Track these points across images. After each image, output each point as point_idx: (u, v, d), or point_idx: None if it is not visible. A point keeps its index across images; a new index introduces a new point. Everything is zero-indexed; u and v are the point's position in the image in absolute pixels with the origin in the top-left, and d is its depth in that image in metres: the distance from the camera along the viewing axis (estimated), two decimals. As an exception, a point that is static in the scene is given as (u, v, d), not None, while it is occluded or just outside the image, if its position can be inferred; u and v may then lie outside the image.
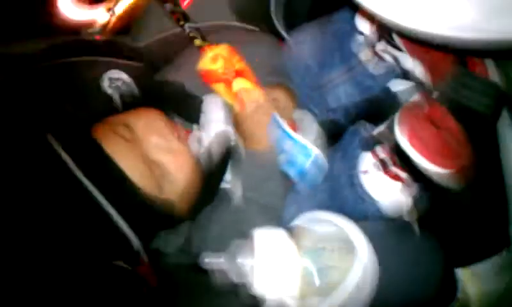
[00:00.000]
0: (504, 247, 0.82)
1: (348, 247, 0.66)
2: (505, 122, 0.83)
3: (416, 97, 0.75)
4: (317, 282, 0.65)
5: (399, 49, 0.80)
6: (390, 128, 0.69)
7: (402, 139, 0.66)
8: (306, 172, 0.90)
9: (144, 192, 0.80)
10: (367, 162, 0.76)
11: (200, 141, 0.97)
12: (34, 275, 0.77)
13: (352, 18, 0.88)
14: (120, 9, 1.09)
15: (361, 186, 0.77)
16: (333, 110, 1.06)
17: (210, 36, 1.03)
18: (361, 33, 0.87)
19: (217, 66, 0.95)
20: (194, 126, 0.99)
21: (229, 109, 0.95)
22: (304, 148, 0.89)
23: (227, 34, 1.11)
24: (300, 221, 0.72)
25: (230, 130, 0.97)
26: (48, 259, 0.77)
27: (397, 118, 0.68)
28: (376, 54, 0.87)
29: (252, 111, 0.88)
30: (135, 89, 1.04)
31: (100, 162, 0.78)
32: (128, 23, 1.12)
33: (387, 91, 0.91)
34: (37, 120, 1.03)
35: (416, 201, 0.81)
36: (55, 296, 0.78)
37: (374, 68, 0.90)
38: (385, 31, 0.79)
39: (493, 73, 0.83)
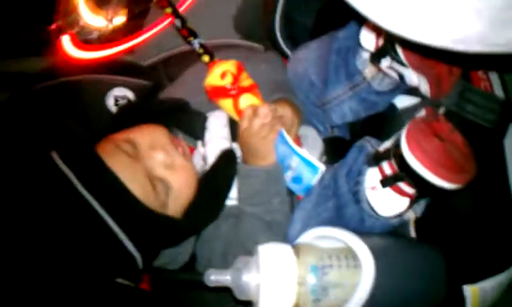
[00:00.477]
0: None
1: (355, 263, 0.65)
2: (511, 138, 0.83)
3: (422, 113, 0.75)
4: (323, 299, 0.65)
5: (404, 65, 0.80)
6: (397, 144, 0.69)
7: (409, 154, 0.66)
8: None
9: (148, 208, 0.80)
10: (373, 178, 0.76)
11: (204, 157, 0.97)
12: (38, 293, 0.76)
13: (357, 34, 0.88)
14: (118, 21, 1.09)
15: (367, 202, 0.77)
16: (337, 127, 1.06)
17: (214, 54, 1.03)
18: (366, 50, 0.87)
19: (226, 82, 0.95)
20: (199, 143, 0.99)
21: (235, 125, 0.95)
22: (311, 165, 0.88)
23: (231, 51, 1.12)
24: (305, 238, 0.72)
25: (235, 147, 0.97)
26: (52, 277, 0.76)
27: (403, 133, 0.67)
28: (380, 70, 0.87)
29: (259, 127, 0.88)
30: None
31: (104, 178, 0.78)
32: (128, 36, 1.12)
33: (392, 107, 0.91)
34: (40, 137, 1.03)
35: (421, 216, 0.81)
36: None
37: (379, 84, 0.90)
38: (390, 45, 0.79)
39: (498, 89, 0.83)
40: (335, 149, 1.01)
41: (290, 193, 0.93)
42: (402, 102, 0.90)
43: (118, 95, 1.12)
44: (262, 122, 0.88)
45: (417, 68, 0.79)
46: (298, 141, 0.97)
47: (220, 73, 0.96)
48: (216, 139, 0.97)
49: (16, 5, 1.64)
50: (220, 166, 0.94)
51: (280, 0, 1.17)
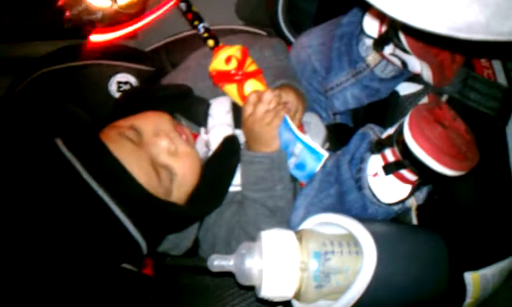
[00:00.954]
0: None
1: (357, 249, 0.66)
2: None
3: (424, 100, 0.75)
4: (326, 285, 0.65)
5: (407, 52, 0.80)
6: (399, 131, 0.69)
7: (412, 141, 0.66)
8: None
9: (152, 195, 0.80)
10: (376, 165, 0.76)
11: (207, 144, 0.97)
12: (44, 279, 0.77)
13: (360, 21, 0.88)
14: (123, 1, 1.08)
15: (369, 189, 0.77)
16: (340, 114, 1.06)
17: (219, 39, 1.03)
18: (369, 36, 0.87)
19: (231, 67, 0.95)
20: (202, 130, 1.00)
21: (239, 111, 0.95)
22: (315, 151, 0.89)
23: (236, 37, 1.12)
24: (308, 224, 0.72)
25: (238, 133, 0.97)
26: (58, 263, 0.77)
27: (406, 120, 0.68)
28: (383, 57, 0.87)
29: (263, 113, 0.88)
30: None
31: (108, 165, 0.78)
32: (132, 18, 1.11)
33: (395, 94, 0.91)
34: (45, 124, 1.03)
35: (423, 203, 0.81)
36: (64, 299, 0.78)
37: (382, 71, 0.90)
38: (394, 32, 0.79)
39: (501, 77, 0.83)
40: (337, 136, 1.01)
41: (294, 179, 0.94)
42: (405, 89, 0.90)
43: (121, 81, 1.12)
44: (266, 108, 0.88)
45: (420, 56, 0.79)
46: (301, 127, 0.97)
47: (225, 58, 0.96)
48: (219, 126, 0.98)
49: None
50: (223, 153, 0.94)
51: (283, -13, 1.17)
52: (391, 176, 0.74)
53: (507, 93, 0.81)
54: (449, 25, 0.47)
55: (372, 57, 0.90)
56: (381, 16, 0.83)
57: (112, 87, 1.11)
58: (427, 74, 0.81)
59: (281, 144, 0.90)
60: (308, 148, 0.89)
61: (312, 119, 1.02)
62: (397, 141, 0.70)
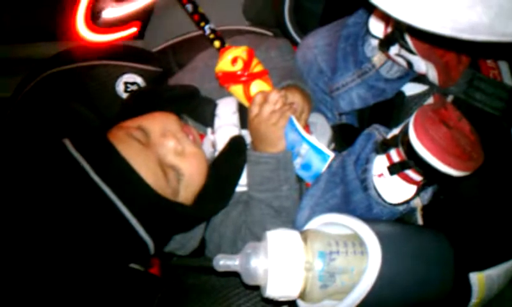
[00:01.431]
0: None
1: (362, 249, 0.66)
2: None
3: (430, 100, 0.75)
4: (331, 285, 0.66)
5: (412, 53, 0.80)
6: (404, 132, 0.69)
7: (417, 142, 0.66)
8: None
9: (159, 195, 0.81)
10: (381, 166, 0.76)
11: (213, 144, 0.98)
12: (52, 278, 0.78)
13: (366, 22, 0.88)
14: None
15: (375, 190, 0.77)
16: (346, 114, 1.07)
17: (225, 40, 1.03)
18: (375, 37, 0.87)
19: (237, 68, 0.96)
20: (208, 130, 1.00)
21: (245, 111, 0.96)
22: (321, 152, 0.89)
23: (242, 37, 1.12)
24: (313, 224, 0.72)
25: (244, 133, 0.97)
26: (66, 262, 0.78)
27: (411, 121, 0.68)
28: (389, 57, 0.87)
29: (269, 114, 0.88)
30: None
31: (116, 165, 0.79)
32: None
33: (401, 94, 0.91)
34: (53, 124, 1.04)
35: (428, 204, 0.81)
36: (72, 298, 0.79)
37: (388, 71, 0.90)
38: (399, 33, 0.79)
39: (507, 77, 0.83)
40: (343, 137, 1.01)
41: (299, 180, 0.94)
42: (411, 89, 0.90)
43: (128, 81, 1.12)
44: (272, 109, 0.89)
45: (426, 56, 0.79)
46: (307, 128, 0.97)
47: (231, 59, 0.96)
48: (225, 126, 0.98)
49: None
50: (229, 153, 0.95)
51: (289, -13, 1.17)
52: (396, 177, 0.74)
53: (513, 93, 0.81)
54: (453, 26, 0.47)
55: (377, 58, 0.90)
56: (387, 17, 0.83)
57: (120, 88, 1.11)
58: (433, 75, 0.81)
59: (287, 145, 0.91)
60: (314, 148, 0.89)
61: (317, 119, 1.02)
62: (402, 141, 0.70)
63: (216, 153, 0.97)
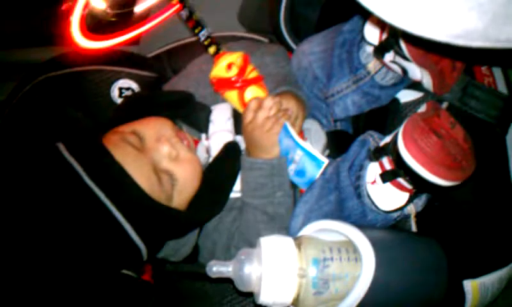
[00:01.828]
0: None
1: (355, 256, 0.66)
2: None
3: (423, 108, 0.75)
4: (325, 292, 0.65)
5: (407, 59, 0.80)
6: (394, 141, 0.69)
7: (405, 151, 0.66)
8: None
9: (153, 200, 0.81)
10: (374, 173, 0.76)
11: (208, 150, 0.97)
12: (44, 283, 0.77)
13: (361, 29, 0.89)
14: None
15: (368, 196, 0.77)
16: (340, 121, 1.07)
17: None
18: (370, 43, 0.87)
19: (232, 74, 0.96)
20: (203, 136, 1.00)
21: (239, 118, 0.96)
22: (315, 158, 0.89)
23: (237, 44, 1.12)
24: (307, 231, 0.72)
25: (239, 139, 0.97)
26: (58, 267, 0.77)
27: (401, 129, 0.68)
28: (384, 64, 0.88)
29: (263, 120, 0.88)
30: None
31: (110, 170, 0.79)
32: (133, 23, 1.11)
33: (395, 101, 0.91)
34: (47, 129, 1.03)
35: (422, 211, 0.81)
36: (64, 304, 0.78)
37: (382, 78, 0.91)
38: (394, 40, 0.79)
39: (501, 84, 0.83)
40: (337, 143, 1.01)
41: (293, 186, 0.94)
42: (406, 96, 0.90)
43: (123, 86, 1.12)
44: (267, 115, 0.89)
45: (420, 63, 0.79)
46: (302, 134, 0.97)
47: (226, 65, 0.96)
48: (220, 132, 0.98)
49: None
50: (224, 159, 0.94)
51: (284, -6, 1.17)
52: (389, 184, 0.74)
53: (508, 101, 0.81)
54: (448, 32, 0.47)
55: (372, 65, 0.90)
56: (382, 24, 0.83)
57: (114, 93, 1.11)
58: (428, 81, 0.81)
59: (282, 151, 0.91)
60: (308, 154, 0.89)
61: (312, 126, 1.02)
62: (392, 150, 0.70)
63: (210, 159, 0.96)
